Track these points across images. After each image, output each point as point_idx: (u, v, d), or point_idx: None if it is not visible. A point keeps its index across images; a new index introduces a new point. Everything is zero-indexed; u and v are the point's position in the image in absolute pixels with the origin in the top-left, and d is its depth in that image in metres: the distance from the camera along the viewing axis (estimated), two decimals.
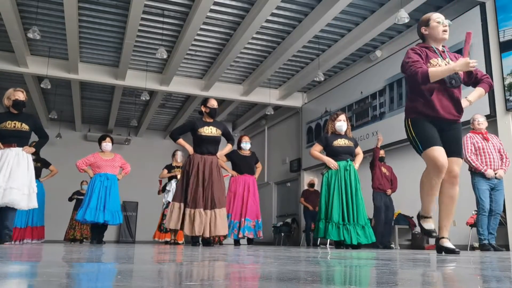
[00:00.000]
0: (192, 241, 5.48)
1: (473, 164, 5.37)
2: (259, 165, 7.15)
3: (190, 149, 5.44)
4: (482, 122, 5.53)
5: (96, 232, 6.77)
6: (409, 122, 3.19)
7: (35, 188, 5.11)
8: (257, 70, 10.10)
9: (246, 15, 7.76)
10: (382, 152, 7.41)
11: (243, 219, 6.62)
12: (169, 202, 7.52)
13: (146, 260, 2.07)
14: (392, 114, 8.31)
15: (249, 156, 6.97)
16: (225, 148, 5.63)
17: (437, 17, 3.21)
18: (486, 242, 5.29)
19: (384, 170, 7.34)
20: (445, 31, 3.19)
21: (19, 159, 4.96)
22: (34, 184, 5.14)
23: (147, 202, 13.40)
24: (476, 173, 5.41)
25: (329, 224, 5.18)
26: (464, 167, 7.06)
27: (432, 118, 3.11)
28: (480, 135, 5.48)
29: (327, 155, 5.50)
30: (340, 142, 5.40)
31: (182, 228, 5.16)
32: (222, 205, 5.24)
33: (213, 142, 5.37)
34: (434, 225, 3.34)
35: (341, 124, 5.44)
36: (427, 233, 3.28)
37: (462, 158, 3.20)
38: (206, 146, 5.33)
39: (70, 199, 10.05)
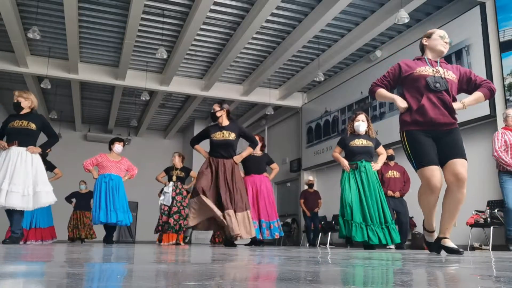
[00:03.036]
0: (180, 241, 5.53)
1: (504, 160, 5.09)
2: (274, 165, 7.01)
3: (205, 154, 5.51)
4: None
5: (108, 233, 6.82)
6: (404, 135, 3.22)
7: (49, 186, 5.05)
8: (257, 70, 10.10)
9: (246, 15, 7.76)
10: (390, 151, 7.13)
11: (256, 221, 6.52)
12: (163, 205, 7.48)
13: (146, 260, 2.07)
14: (392, 114, 8.32)
15: (259, 156, 6.86)
16: (244, 151, 5.61)
17: (440, 33, 3.36)
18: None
19: (392, 173, 7.05)
20: (443, 45, 3.30)
21: (22, 159, 4.89)
22: (47, 182, 5.07)
23: (147, 202, 13.41)
24: (503, 173, 5.17)
25: (353, 225, 5.07)
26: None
27: (427, 126, 3.11)
28: None
29: (345, 155, 5.46)
30: (357, 142, 5.33)
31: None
32: (241, 208, 5.18)
33: (225, 146, 5.34)
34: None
35: (359, 124, 5.38)
36: (429, 245, 3.42)
37: (466, 159, 3.16)
38: (218, 150, 5.34)
39: (69, 201, 9.98)
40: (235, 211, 5.10)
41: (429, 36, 3.37)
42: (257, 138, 6.92)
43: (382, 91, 3.43)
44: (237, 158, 5.42)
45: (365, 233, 5.05)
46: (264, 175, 6.85)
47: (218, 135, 5.32)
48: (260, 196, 6.61)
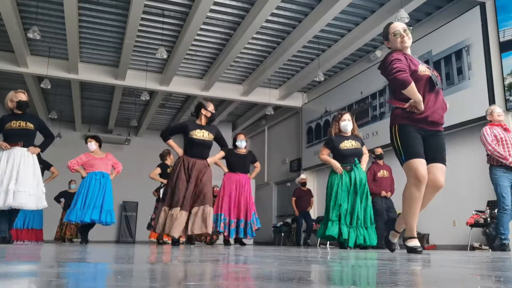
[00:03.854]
0: (172, 241, 5.35)
1: (499, 153, 4.94)
2: (257, 164, 6.98)
3: (179, 151, 5.34)
4: (501, 114, 5.23)
5: (86, 232, 6.73)
6: (396, 129, 3.14)
7: (43, 189, 5.16)
8: (257, 70, 10.10)
9: (246, 15, 7.76)
10: (379, 150, 7.17)
11: (234, 220, 6.49)
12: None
13: (146, 260, 2.07)
14: None
15: (244, 154, 6.76)
16: (217, 154, 5.50)
17: (392, 30, 3.22)
18: (507, 242, 4.96)
19: (383, 172, 7.08)
20: (403, 41, 3.17)
21: (25, 160, 4.99)
22: (42, 184, 5.18)
23: (147, 202, 13.35)
24: (496, 167, 5.02)
25: (329, 222, 5.07)
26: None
27: (419, 123, 3.09)
28: (499, 127, 5.15)
29: (334, 157, 5.33)
30: (347, 145, 5.24)
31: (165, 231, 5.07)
32: (209, 202, 5.12)
33: (204, 146, 5.25)
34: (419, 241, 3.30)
35: (346, 124, 5.29)
36: (412, 250, 3.13)
37: (445, 166, 3.16)
38: (196, 149, 5.21)
39: (58, 201, 9.91)
40: (203, 204, 5.03)
41: (386, 38, 3.27)
42: (242, 136, 6.88)
43: (414, 86, 2.97)
44: (211, 160, 5.34)
45: (336, 230, 5.01)
46: (247, 176, 6.79)
47: (198, 134, 5.20)
48: (242, 196, 6.57)
